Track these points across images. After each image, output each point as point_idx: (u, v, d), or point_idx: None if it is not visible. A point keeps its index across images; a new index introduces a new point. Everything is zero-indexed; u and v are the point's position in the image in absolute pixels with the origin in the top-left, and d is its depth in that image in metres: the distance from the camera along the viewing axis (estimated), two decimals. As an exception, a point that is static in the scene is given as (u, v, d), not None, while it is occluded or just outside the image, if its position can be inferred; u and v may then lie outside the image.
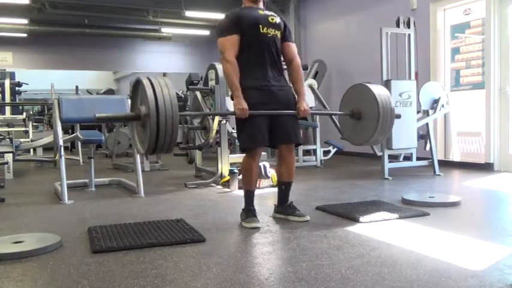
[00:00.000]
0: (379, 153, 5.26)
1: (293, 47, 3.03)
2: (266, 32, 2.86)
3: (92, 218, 3.17)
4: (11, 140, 5.33)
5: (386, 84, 4.84)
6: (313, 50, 8.11)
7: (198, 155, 5.45)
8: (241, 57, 2.82)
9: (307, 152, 6.63)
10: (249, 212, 2.91)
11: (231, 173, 4.30)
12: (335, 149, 6.25)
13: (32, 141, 6.86)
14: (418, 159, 5.08)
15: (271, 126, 2.87)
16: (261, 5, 2.98)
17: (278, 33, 2.93)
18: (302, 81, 3.02)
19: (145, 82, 2.44)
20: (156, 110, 2.37)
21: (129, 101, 4.25)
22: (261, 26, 2.85)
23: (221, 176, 4.60)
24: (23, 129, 7.31)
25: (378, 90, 3.10)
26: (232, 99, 2.83)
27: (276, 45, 2.92)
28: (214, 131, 4.86)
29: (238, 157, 4.04)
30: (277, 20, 2.95)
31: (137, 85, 2.59)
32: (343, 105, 3.31)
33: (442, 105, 5.16)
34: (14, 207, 3.74)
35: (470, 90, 5.71)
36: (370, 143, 3.27)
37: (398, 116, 3.12)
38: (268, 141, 2.92)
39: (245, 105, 2.72)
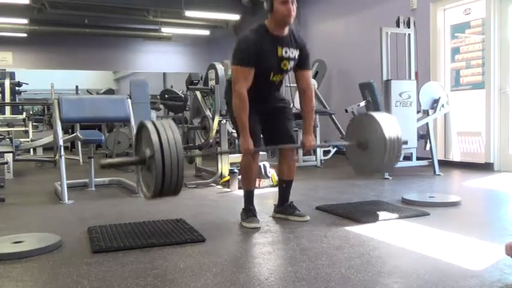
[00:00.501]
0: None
1: (308, 75, 2.93)
2: (274, 79, 2.85)
3: (92, 218, 3.16)
4: (11, 139, 5.32)
5: (386, 84, 4.86)
6: (313, 50, 8.01)
7: (198, 155, 5.46)
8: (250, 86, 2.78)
9: (307, 152, 6.62)
10: (249, 211, 2.91)
11: (231, 172, 4.30)
12: (335, 149, 6.25)
13: (32, 141, 6.85)
14: (418, 159, 5.08)
15: (271, 128, 2.93)
16: (286, 31, 2.79)
17: (286, 74, 2.92)
18: (312, 114, 3.01)
19: (150, 126, 2.43)
20: (161, 151, 2.35)
21: (129, 101, 4.33)
22: (272, 73, 2.81)
23: (221, 176, 4.60)
24: (23, 129, 7.30)
25: (384, 119, 3.02)
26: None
27: (281, 83, 2.96)
28: (214, 131, 4.87)
29: (238, 157, 4.04)
30: (290, 64, 2.83)
31: (141, 129, 2.58)
32: (349, 135, 3.27)
33: (442, 105, 5.16)
34: (14, 207, 3.75)
35: (470, 90, 5.71)
36: (378, 171, 3.23)
37: (406, 142, 3.05)
38: (270, 143, 3.00)
39: (251, 145, 2.74)
